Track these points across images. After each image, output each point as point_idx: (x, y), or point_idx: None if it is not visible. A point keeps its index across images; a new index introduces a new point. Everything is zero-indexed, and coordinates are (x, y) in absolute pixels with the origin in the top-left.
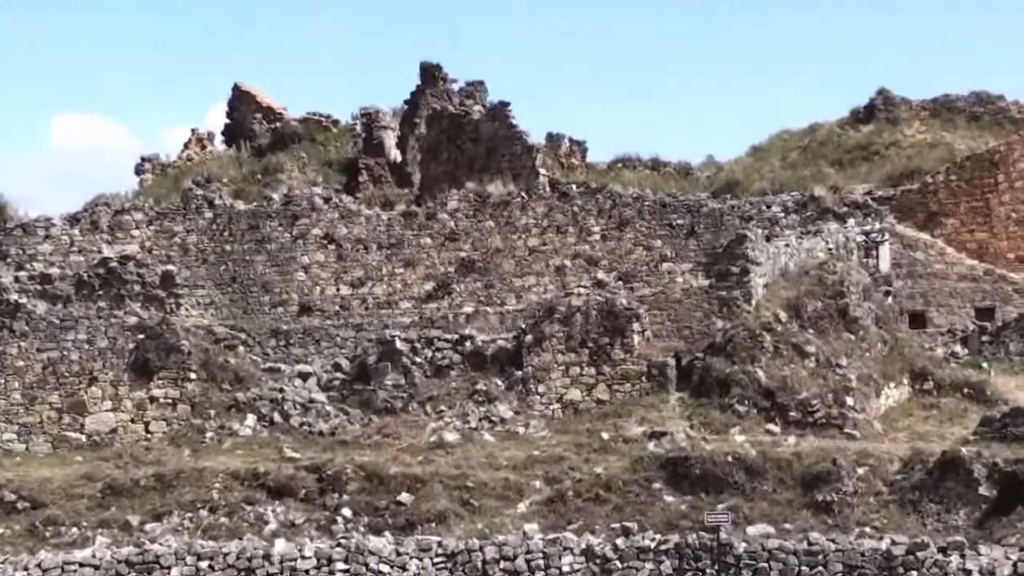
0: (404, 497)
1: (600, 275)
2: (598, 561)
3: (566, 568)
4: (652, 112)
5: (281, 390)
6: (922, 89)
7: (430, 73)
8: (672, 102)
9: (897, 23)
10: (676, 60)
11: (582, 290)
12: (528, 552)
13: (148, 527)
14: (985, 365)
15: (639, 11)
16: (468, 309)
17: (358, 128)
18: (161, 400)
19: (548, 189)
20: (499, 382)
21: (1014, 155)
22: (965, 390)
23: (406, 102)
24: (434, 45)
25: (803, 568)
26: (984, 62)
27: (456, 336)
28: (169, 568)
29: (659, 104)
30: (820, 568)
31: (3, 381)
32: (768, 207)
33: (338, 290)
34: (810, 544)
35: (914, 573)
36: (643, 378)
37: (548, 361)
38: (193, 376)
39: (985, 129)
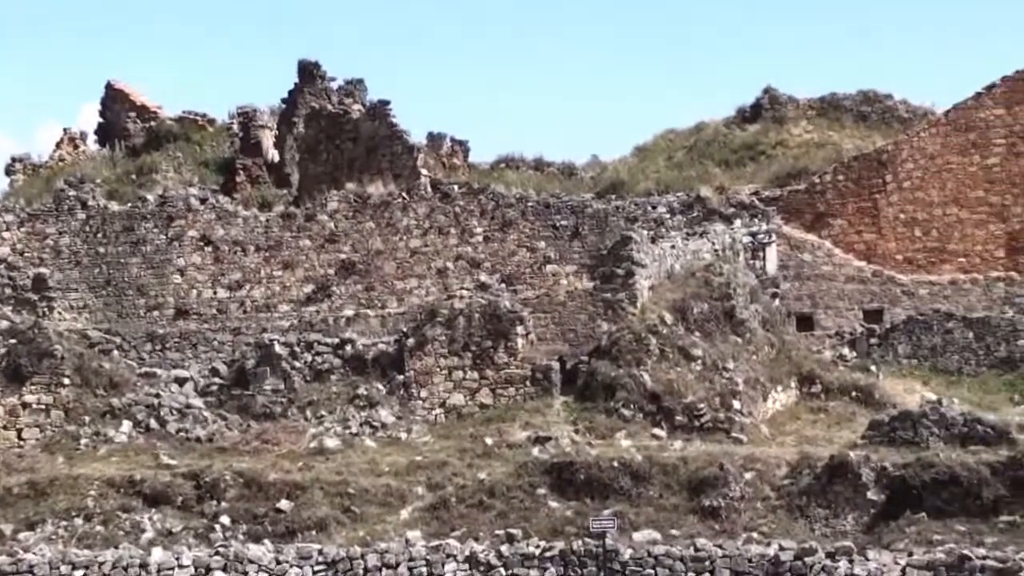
0: (284, 504)
1: (483, 277)
2: (482, 568)
3: (449, 575)
4: (536, 111)
5: (157, 395)
6: (809, 87)
7: (308, 71)
8: (556, 101)
9: (784, 21)
10: (559, 58)
11: (465, 293)
12: (411, 560)
13: (21, 536)
14: (873, 368)
15: (521, 8)
16: (348, 312)
17: (235, 127)
18: (34, 406)
19: (429, 190)
20: (380, 386)
21: (902, 155)
22: (853, 393)
23: (284, 101)
24: (313, 42)
25: (690, 574)
26: (871, 60)
27: (336, 340)
28: None
29: (543, 103)
30: (707, 574)
31: None
32: (653, 208)
33: (215, 293)
34: (697, 550)
35: None
36: (527, 382)
37: (430, 365)
38: (67, 381)
39: (873, 128)
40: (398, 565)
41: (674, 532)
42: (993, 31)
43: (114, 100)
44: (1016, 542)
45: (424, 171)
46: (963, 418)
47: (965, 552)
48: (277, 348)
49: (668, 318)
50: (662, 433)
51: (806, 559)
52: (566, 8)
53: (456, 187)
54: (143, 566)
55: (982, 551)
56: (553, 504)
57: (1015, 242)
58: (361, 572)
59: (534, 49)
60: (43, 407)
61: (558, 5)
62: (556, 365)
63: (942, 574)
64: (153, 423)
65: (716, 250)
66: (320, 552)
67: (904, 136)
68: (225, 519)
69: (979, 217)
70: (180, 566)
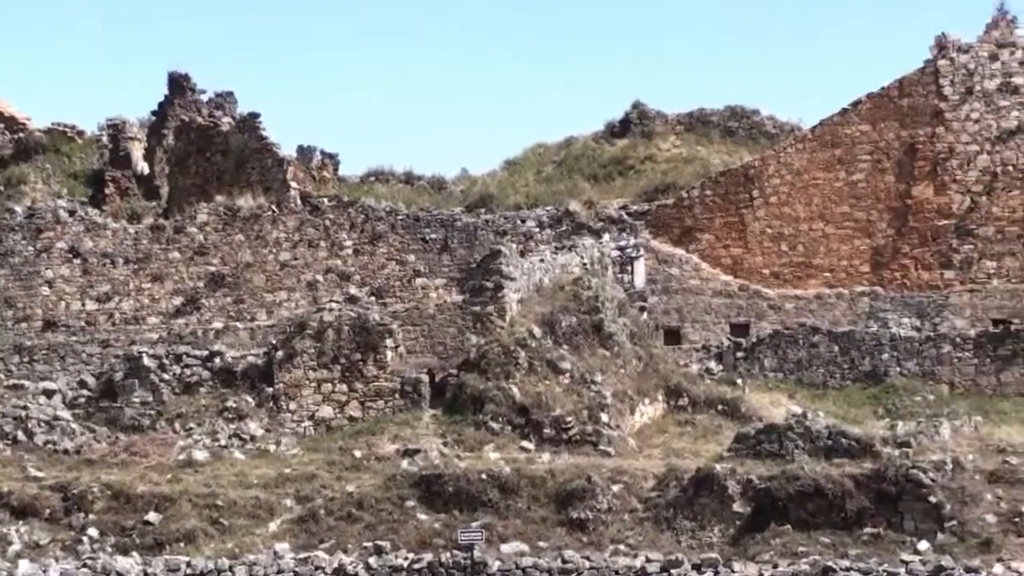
0: (152, 516)
1: (352, 290)
2: None
3: None
4: (406, 125)
5: (25, 407)
6: (678, 103)
7: (178, 83)
8: (426, 115)
9: (653, 37)
10: (430, 72)
11: (334, 305)
12: (279, 572)
13: None
14: (739, 381)
15: (390, 22)
16: (218, 325)
17: (104, 139)
18: None
19: (299, 203)
20: (249, 399)
21: (769, 170)
22: (720, 407)
23: (154, 113)
24: (183, 54)
25: None
26: (739, 76)
27: (205, 352)
28: None
29: (413, 117)
30: None
31: None
32: (523, 222)
33: (84, 305)
34: (564, 562)
35: None
36: (396, 395)
37: (299, 377)
38: None
39: (740, 144)
40: None
41: (542, 544)
42: (859, 48)
43: None
44: (879, 554)
45: (294, 184)
46: (828, 431)
47: (829, 564)
48: (146, 360)
49: (537, 331)
50: (530, 446)
51: (672, 571)
52: (435, 22)
53: (326, 200)
54: None
55: (846, 563)
56: (422, 516)
57: (880, 257)
58: None
59: (404, 62)
60: None
61: (427, 19)
62: (425, 378)
63: None
64: (20, 435)
65: (585, 264)
66: (188, 564)
67: (771, 151)
68: (93, 531)
69: (844, 232)
70: None
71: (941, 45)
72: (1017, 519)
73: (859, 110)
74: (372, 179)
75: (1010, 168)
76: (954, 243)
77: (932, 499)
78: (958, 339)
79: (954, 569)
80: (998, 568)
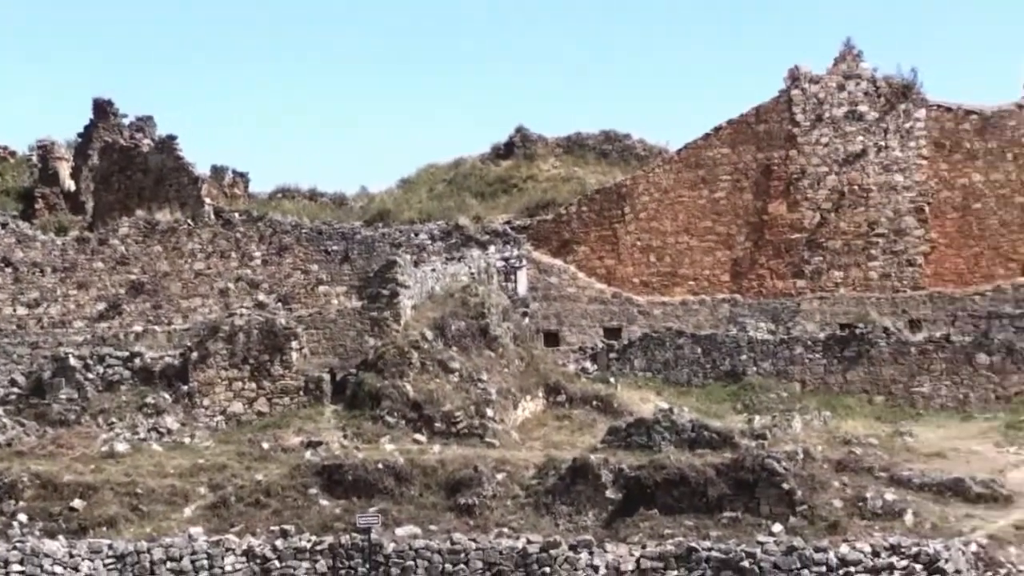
0: (77, 503)
1: (261, 297)
2: (258, 561)
3: (228, 568)
4: (310, 146)
5: None
6: (557, 128)
7: (102, 108)
8: (329, 137)
9: (535, 66)
10: (333, 97)
11: (244, 311)
12: (193, 553)
13: None
14: (612, 380)
15: (297, 51)
16: (138, 328)
17: (34, 159)
18: None
19: (213, 217)
20: (167, 396)
21: (639, 189)
22: (594, 402)
23: (80, 135)
24: (107, 79)
25: (447, 566)
26: (613, 103)
27: (126, 353)
28: None
29: (317, 139)
30: (462, 565)
31: None
32: (416, 235)
33: (15, 310)
34: (453, 544)
35: (547, 569)
36: (301, 392)
37: (212, 376)
38: None
39: (613, 164)
40: (181, 558)
41: (433, 528)
42: (721, 78)
43: None
44: (737, 536)
45: (208, 200)
46: (692, 425)
47: (692, 544)
48: (72, 361)
49: (429, 334)
50: (423, 438)
51: (551, 551)
52: (338, 50)
53: (237, 215)
54: None
55: (707, 544)
56: (323, 502)
57: (739, 267)
58: (147, 565)
59: (310, 88)
60: None
61: (330, 49)
62: (327, 377)
63: (672, 564)
64: None
65: (472, 273)
66: (110, 547)
67: (641, 172)
68: (22, 517)
69: (707, 245)
70: None
71: (794, 76)
72: (861, 503)
73: (720, 135)
74: (279, 195)
75: (855, 187)
76: (805, 255)
77: (785, 486)
78: (809, 342)
79: (805, 549)
80: (844, 548)
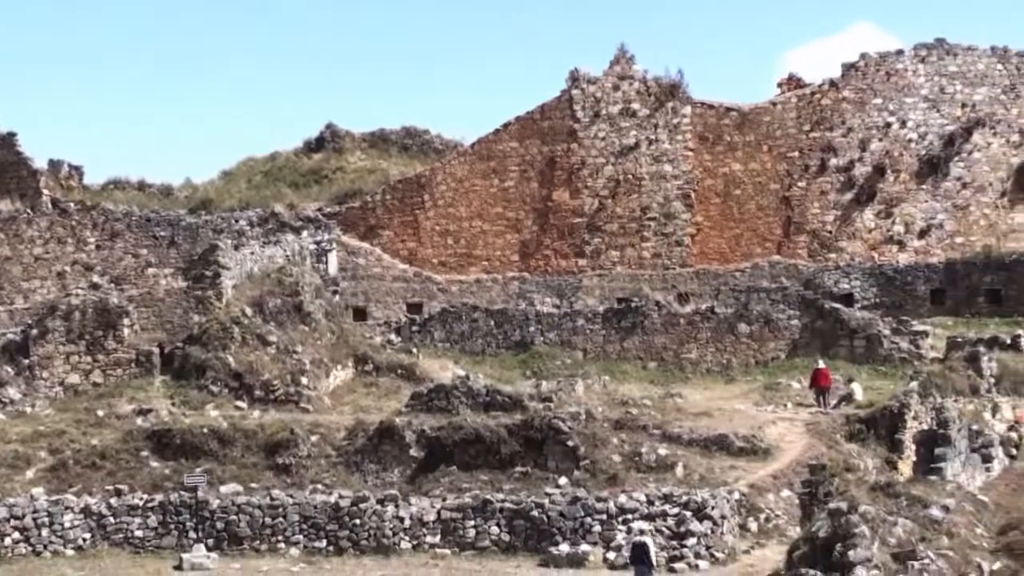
0: None
1: (95, 279)
2: (95, 518)
3: (68, 524)
4: (139, 140)
5: None
6: (363, 123)
7: None
8: (155, 132)
9: (343, 67)
10: (157, 95)
11: (80, 291)
12: (35, 512)
13: None
14: (414, 350)
15: (127, 52)
16: None
17: None
18: None
19: (50, 207)
20: (9, 369)
21: (437, 179)
22: (399, 371)
23: None
24: None
25: (267, 519)
26: (414, 101)
27: None
28: None
29: (145, 133)
30: (281, 519)
31: None
32: (236, 221)
33: None
34: (272, 499)
35: (357, 521)
36: (132, 364)
37: (51, 351)
38: None
39: (414, 157)
40: (24, 516)
41: (254, 485)
42: (509, 77)
43: None
44: (528, 488)
45: (46, 191)
46: (486, 390)
47: (488, 497)
48: None
49: (248, 311)
50: (244, 405)
51: (361, 505)
52: (165, 51)
53: (73, 204)
54: None
55: (501, 496)
56: (154, 464)
57: (527, 249)
58: None
59: (137, 86)
60: None
61: (158, 49)
62: (156, 350)
63: (469, 515)
64: None
65: (287, 256)
66: None
67: (439, 164)
68: None
69: (498, 229)
70: None
71: (574, 77)
72: (637, 458)
73: (509, 130)
74: (111, 186)
75: (630, 176)
76: (586, 237)
77: (570, 443)
78: (590, 314)
79: (587, 499)
80: (622, 498)
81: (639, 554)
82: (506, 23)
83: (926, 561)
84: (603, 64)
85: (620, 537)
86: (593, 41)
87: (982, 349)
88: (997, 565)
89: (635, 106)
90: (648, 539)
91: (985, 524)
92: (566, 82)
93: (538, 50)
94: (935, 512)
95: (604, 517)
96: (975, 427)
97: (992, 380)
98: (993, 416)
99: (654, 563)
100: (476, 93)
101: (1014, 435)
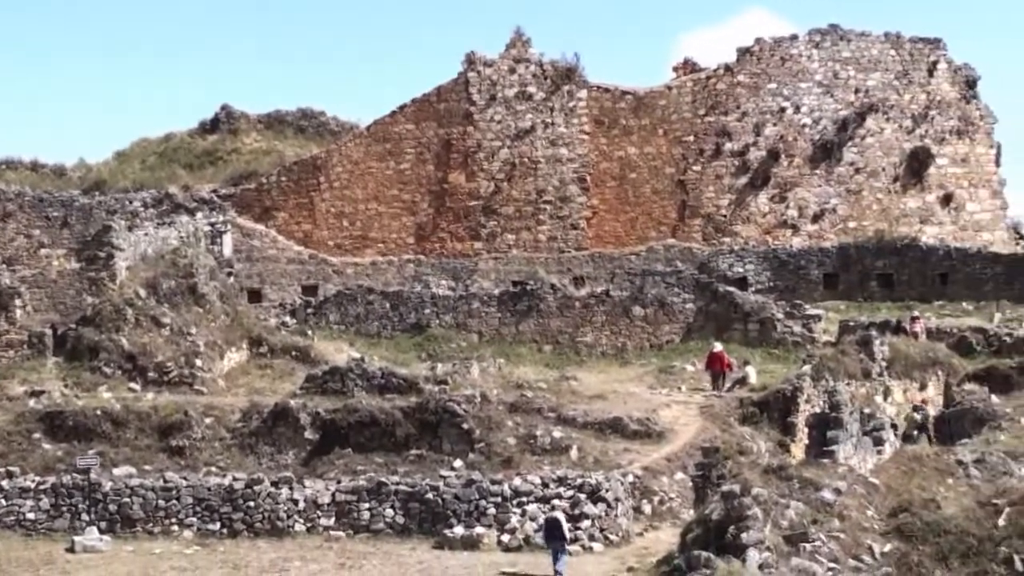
0: None
1: None
2: None
3: None
4: (32, 121)
5: None
6: (258, 105)
7: None
8: (49, 112)
9: (238, 48)
10: (51, 75)
11: None
12: None
13: None
14: (309, 332)
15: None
16: None
17: None
18: None
19: None
20: None
21: (332, 161)
22: (294, 353)
23: None
24: None
25: (160, 502)
26: (309, 82)
27: None
28: None
29: (38, 114)
30: (174, 501)
31: None
32: (130, 202)
33: None
34: (166, 482)
35: (251, 503)
36: (25, 346)
37: None
38: None
39: (310, 139)
40: None
41: (147, 468)
42: (407, 60)
43: None
44: (423, 471)
45: None
46: (381, 372)
47: (383, 479)
48: None
49: (142, 292)
50: (137, 387)
51: (255, 487)
52: (58, 34)
53: None
54: None
55: (396, 478)
56: (46, 446)
57: (423, 231)
58: None
59: (29, 65)
60: None
61: (39, 24)
62: (49, 332)
63: (364, 497)
64: None
65: (182, 237)
66: None
67: (335, 146)
68: None
69: (394, 211)
70: None
71: (471, 60)
72: (532, 440)
73: (405, 112)
74: (3, 166)
75: (525, 160)
76: (482, 220)
77: (465, 426)
78: (485, 297)
79: (482, 481)
80: (517, 480)
81: (552, 529)
82: (404, 4)
83: (818, 543)
84: (500, 47)
85: (514, 519)
86: (490, 24)
87: (874, 333)
88: (888, 547)
89: (531, 89)
90: (560, 514)
91: (876, 506)
92: (462, 65)
93: (435, 32)
94: (827, 495)
95: (499, 500)
96: (867, 410)
97: (884, 364)
98: (885, 399)
99: (567, 537)
100: (372, 75)
101: (918, 416)
